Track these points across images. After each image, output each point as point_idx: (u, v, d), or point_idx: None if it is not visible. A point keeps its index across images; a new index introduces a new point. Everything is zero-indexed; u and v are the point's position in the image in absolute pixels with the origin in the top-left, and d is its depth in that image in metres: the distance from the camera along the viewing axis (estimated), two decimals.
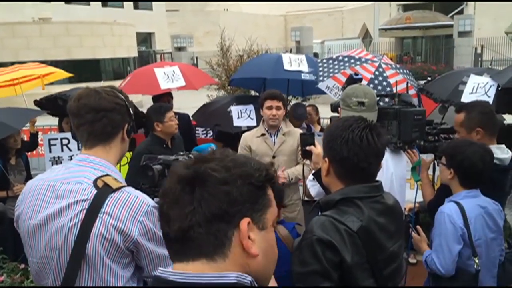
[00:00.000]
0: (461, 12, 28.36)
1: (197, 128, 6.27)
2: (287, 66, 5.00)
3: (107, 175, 1.61)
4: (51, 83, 7.68)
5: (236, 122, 5.03)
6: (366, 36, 33.88)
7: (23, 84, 7.16)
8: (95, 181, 1.57)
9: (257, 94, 6.15)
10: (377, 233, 1.66)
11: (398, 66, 4.64)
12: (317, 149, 2.33)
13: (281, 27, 41.79)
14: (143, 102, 14.48)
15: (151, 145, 3.69)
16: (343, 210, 1.67)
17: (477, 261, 2.38)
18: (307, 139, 2.44)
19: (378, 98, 2.69)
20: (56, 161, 5.95)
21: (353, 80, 2.90)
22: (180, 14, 36.14)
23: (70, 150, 6.02)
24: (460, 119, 2.85)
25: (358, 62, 4.33)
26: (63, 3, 24.94)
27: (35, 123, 5.43)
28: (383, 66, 4.28)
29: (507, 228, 4.07)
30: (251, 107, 5.11)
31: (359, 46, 27.15)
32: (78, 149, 5.31)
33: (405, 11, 31.11)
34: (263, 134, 3.81)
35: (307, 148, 2.39)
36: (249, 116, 5.07)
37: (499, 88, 3.89)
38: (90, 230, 1.51)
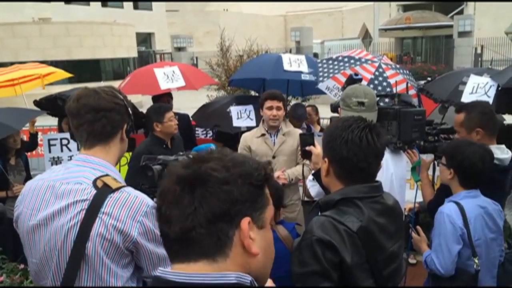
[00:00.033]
0: (461, 12, 28.37)
1: (196, 129, 6.28)
2: (287, 67, 5.00)
3: (107, 175, 1.61)
4: (51, 83, 7.68)
5: (236, 123, 5.03)
6: (366, 36, 33.87)
7: (23, 84, 7.16)
8: (94, 181, 1.57)
9: (257, 94, 6.15)
10: (376, 234, 1.66)
11: (398, 66, 4.64)
12: (317, 149, 2.33)
13: (281, 27, 41.79)
14: (143, 102, 14.49)
15: (151, 145, 3.68)
16: (343, 210, 1.67)
17: (476, 261, 2.38)
18: (306, 139, 2.44)
19: (378, 98, 2.69)
20: (56, 161, 5.96)
21: (353, 80, 2.90)
22: (180, 14, 36.15)
23: (69, 150, 6.02)
24: (460, 119, 2.85)
25: (358, 63, 4.33)
26: (63, 3, 24.95)
27: (35, 123, 5.43)
28: (383, 66, 4.28)
29: (507, 228, 4.07)
30: (250, 107, 5.11)
31: (359, 46, 27.14)
32: (78, 150, 5.31)
33: (405, 11, 31.12)
34: (263, 135, 3.81)
35: (307, 148, 2.39)
36: (248, 116, 5.07)
37: (499, 88, 3.89)
38: (90, 230, 1.51)
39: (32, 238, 1.61)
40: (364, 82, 3.58)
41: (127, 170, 3.88)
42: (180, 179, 0.96)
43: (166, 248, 1.00)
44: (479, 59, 22.13)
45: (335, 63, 4.43)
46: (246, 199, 0.96)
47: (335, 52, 24.10)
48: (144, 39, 31.20)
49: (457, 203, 2.45)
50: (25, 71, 7.07)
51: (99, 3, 27.40)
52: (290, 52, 19.00)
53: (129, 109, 1.74)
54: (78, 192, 1.55)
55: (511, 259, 2.64)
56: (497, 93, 3.87)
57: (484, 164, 2.44)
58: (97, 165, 1.64)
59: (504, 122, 4.51)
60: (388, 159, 2.44)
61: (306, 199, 3.83)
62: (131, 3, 29.75)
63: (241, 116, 5.07)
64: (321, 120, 6.27)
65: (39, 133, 5.85)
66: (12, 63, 9.36)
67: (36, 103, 5.52)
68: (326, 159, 1.78)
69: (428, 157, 3.08)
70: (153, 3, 31.43)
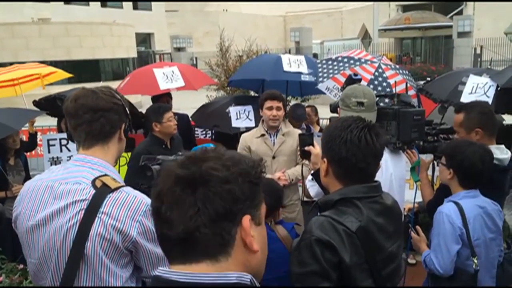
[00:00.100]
0: (460, 12, 28.40)
1: (196, 129, 6.27)
2: (286, 67, 4.99)
3: (106, 175, 1.61)
4: (51, 84, 7.68)
5: (235, 123, 5.02)
6: (365, 37, 33.92)
7: (23, 84, 7.17)
8: (93, 181, 1.57)
9: (256, 94, 6.15)
10: (375, 234, 1.66)
11: (397, 66, 4.64)
12: (316, 149, 2.33)
13: (280, 28, 41.82)
14: (143, 102, 14.49)
15: (150, 145, 3.68)
16: (342, 211, 1.67)
17: (476, 261, 2.38)
18: (306, 140, 2.44)
19: (377, 98, 2.69)
20: (55, 161, 5.97)
21: (352, 80, 2.90)
22: (179, 15, 36.16)
23: (69, 150, 6.03)
24: (460, 120, 2.85)
25: (358, 63, 4.33)
26: (62, 3, 24.95)
27: (34, 123, 5.43)
28: (383, 66, 4.28)
29: (506, 228, 4.08)
30: (249, 107, 5.10)
31: (359, 46, 27.18)
32: (77, 150, 5.31)
33: (405, 11, 31.14)
34: (262, 135, 3.81)
35: (306, 148, 2.39)
36: (247, 117, 5.06)
37: (498, 89, 3.89)
38: (89, 230, 1.51)
39: (31, 238, 1.60)
40: (364, 83, 3.58)
41: (126, 170, 3.87)
42: (179, 179, 0.95)
43: (164, 249, 0.99)
44: (479, 59, 22.14)
45: (335, 63, 4.43)
46: (247, 197, 0.97)
47: (334, 52, 24.11)
48: (144, 39, 31.21)
49: (456, 203, 2.45)
50: (24, 70, 7.08)
51: (99, 3, 27.40)
52: (290, 52, 19.04)
53: (126, 108, 1.74)
54: (77, 192, 1.55)
55: (510, 259, 2.64)
56: (496, 93, 3.87)
57: (483, 164, 2.44)
58: (96, 165, 1.64)
59: (504, 122, 4.52)
60: (387, 159, 2.44)
61: (305, 199, 3.82)
62: (130, 3, 29.76)
63: (240, 116, 5.06)
64: (321, 121, 6.27)
65: (39, 133, 5.85)
66: (11, 63, 9.36)
67: (35, 103, 5.53)
68: (325, 159, 1.78)
69: (427, 157, 3.08)
70: (153, 3, 31.44)
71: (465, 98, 3.87)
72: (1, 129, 4.06)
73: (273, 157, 3.74)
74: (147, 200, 1.58)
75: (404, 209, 3.08)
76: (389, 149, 2.57)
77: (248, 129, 4.47)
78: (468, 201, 2.46)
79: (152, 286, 1.02)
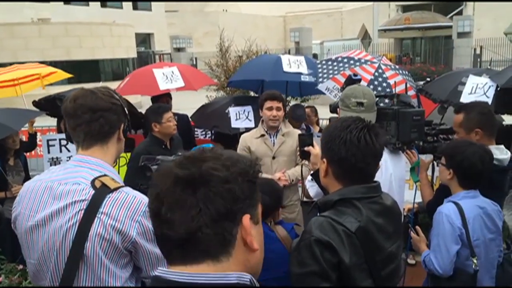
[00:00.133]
0: (460, 13, 28.40)
1: (196, 129, 6.27)
2: (286, 68, 4.99)
3: (105, 175, 1.61)
4: (51, 84, 7.68)
5: (234, 124, 5.02)
6: (365, 37, 33.92)
7: (23, 85, 7.16)
8: (92, 182, 1.57)
9: (256, 95, 6.14)
10: (375, 234, 1.66)
11: (397, 67, 4.64)
12: (316, 149, 2.33)
13: (280, 28, 41.82)
14: (142, 102, 14.48)
15: (150, 145, 3.68)
16: (341, 211, 1.67)
17: (475, 261, 2.38)
18: (305, 140, 2.44)
19: (377, 99, 2.69)
20: (55, 161, 5.97)
21: (352, 80, 2.89)
22: (179, 15, 36.16)
23: (68, 151, 6.03)
24: (459, 120, 2.85)
25: (358, 63, 4.33)
26: (62, 3, 24.95)
27: (34, 123, 5.43)
28: (383, 67, 4.28)
29: (505, 228, 4.07)
30: (249, 108, 5.10)
31: (359, 47, 27.18)
32: (77, 150, 5.31)
33: (404, 12, 31.14)
34: (262, 135, 3.80)
35: (306, 148, 2.39)
36: (247, 117, 5.06)
37: (498, 89, 3.89)
38: (88, 231, 1.51)
39: (30, 239, 1.60)
40: (363, 83, 3.58)
41: (126, 170, 3.88)
42: (179, 180, 0.95)
43: (164, 250, 0.99)
44: (478, 59, 22.13)
45: (335, 64, 4.43)
46: (246, 196, 0.98)
47: (334, 52, 24.11)
48: (144, 39, 31.21)
49: (456, 203, 2.45)
50: (24, 71, 7.08)
51: (98, 4, 27.40)
52: (289, 52, 19.04)
53: (125, 108, 1.74)
54: (76, 193, 1.55)
55: (510, 260, 2.64)
56: (496, 94, 3.87)
57: (483, 164, 2.44)
58: (95, 165, 1.64)
59: (503, 122, 4.52)
60: (387, 159, 2.44)
61: (305, 199, 3.82)
62: (130, 4, 29.77)
63: (239, 117, 5.06)
64: (320, 121, 6.28)
65: (38, 134, 5.85)
66: (11, 64, 9.35)
67: (35, 103, 5.52)
68: (324, 160, 1.78)
69: (427, 158, 3.08)
70: (153, 4, 31.45)
71: (465, 98, 3.87)
72: (1, 129, 4.06)
73: (273, 158, 3.74)
74: (147, 200, 1.58)
75: (404, 209, 3.08)
76: (388, 149, 2.57)
77: (247, 129, 4.46)
78: (467, 202, 2.46)
79: (152, 286, 1.02)
